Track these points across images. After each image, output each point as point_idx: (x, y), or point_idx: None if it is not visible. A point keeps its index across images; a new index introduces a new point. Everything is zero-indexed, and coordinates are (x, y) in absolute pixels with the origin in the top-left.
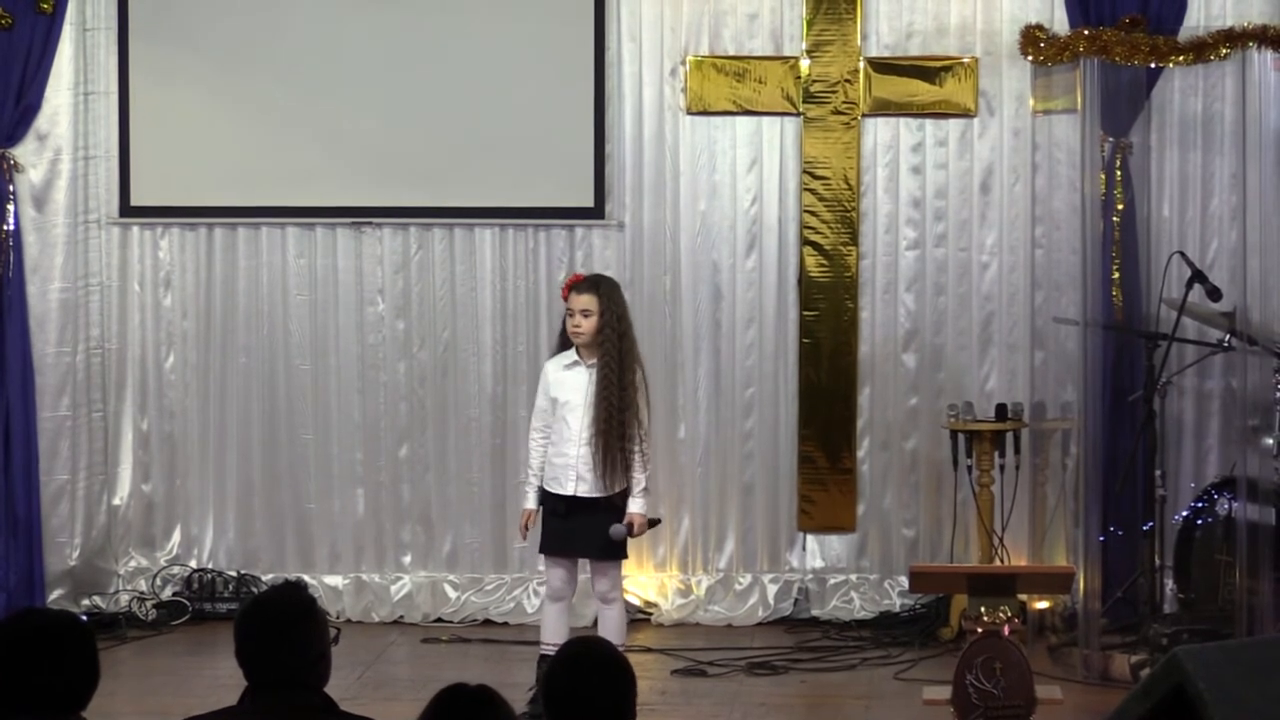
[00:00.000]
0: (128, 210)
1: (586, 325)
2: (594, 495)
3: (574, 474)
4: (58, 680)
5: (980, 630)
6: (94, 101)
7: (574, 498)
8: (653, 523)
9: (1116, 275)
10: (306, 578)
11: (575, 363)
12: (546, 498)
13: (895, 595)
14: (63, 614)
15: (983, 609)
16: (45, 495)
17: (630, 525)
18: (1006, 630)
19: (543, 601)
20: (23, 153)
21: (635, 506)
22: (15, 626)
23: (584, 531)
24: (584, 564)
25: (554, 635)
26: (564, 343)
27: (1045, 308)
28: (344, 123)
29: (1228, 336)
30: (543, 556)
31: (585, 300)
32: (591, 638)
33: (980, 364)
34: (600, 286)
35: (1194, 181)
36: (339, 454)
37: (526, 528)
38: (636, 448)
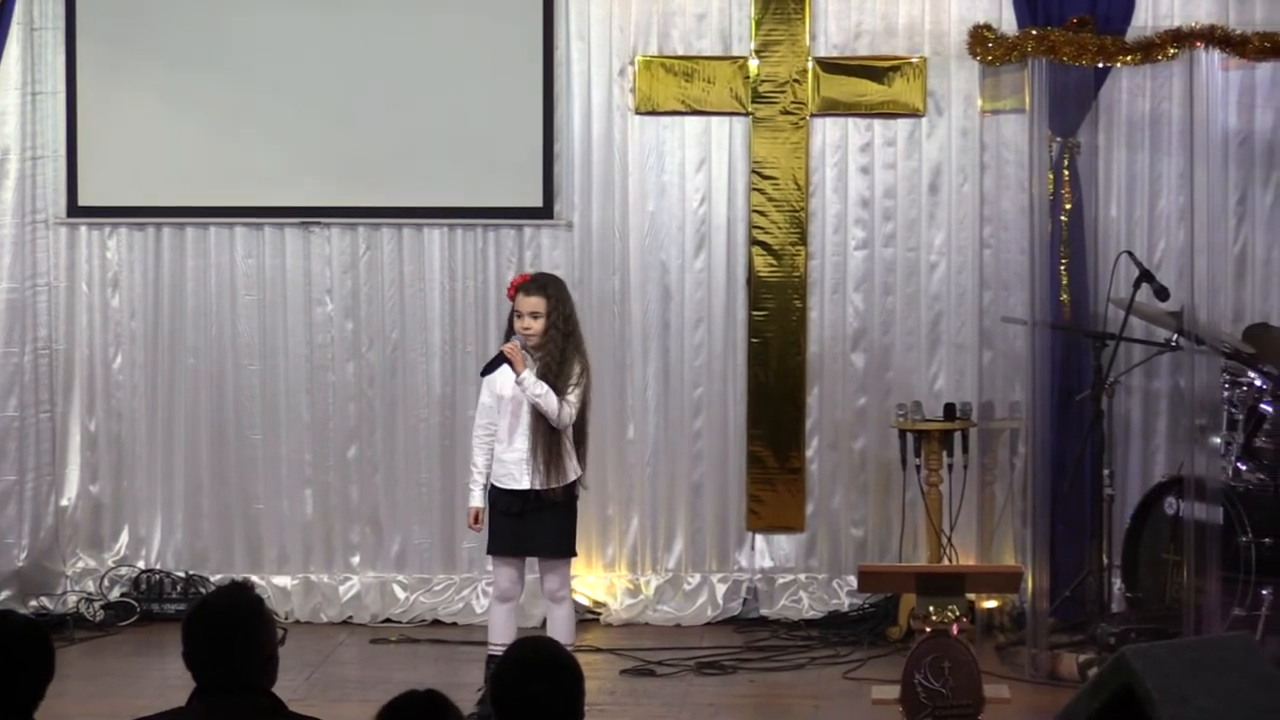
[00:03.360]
0: (75, 210)
1: (536, 326)
2: (538, 488)
3: (528, 467)
4: (19, 679)
5: (928, 629)
6: (41, 101)
7: (525, 493)
8: (497, 362)
9: (1065, 275)
10: (255, 578)
11: (522, 346)
12: (498, 496)
13: (844, 595)
14: (17, 616)
15: (931, 608)
16: None
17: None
18: (955, 629)
19: (491, 602)
20: None
21: (531, 376)
22: None
23: (533, 530)
24: (532, 565)
25: (502, 636)
26: (508, 340)
27: (993, 307)
28: (292, 122)
29: (1175, 336)
30: (490, 557)
31: (534, 302)
32: (539, 638)
33: (928, 364)
34: (548, 287)
35: (1142, 181)
36: (287, 454)
37: (476, 521)
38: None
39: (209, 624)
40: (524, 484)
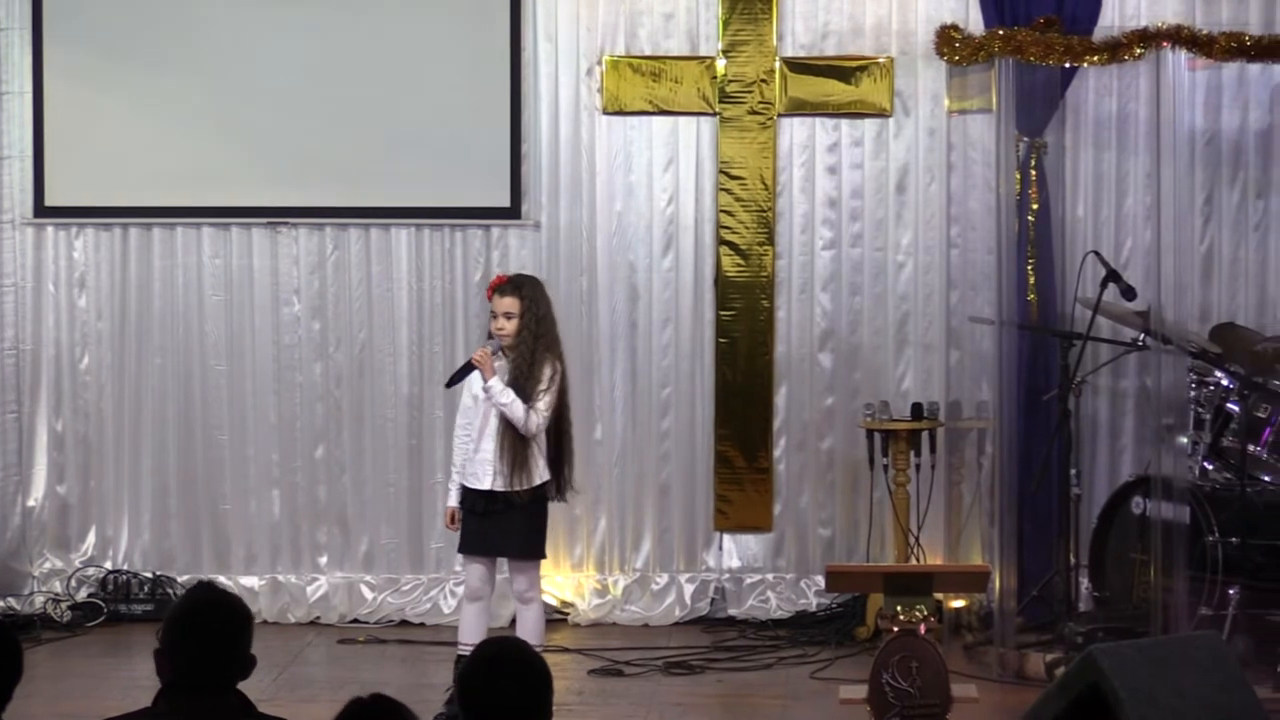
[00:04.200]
0: (42, 210)
1: (509, 327)
2: (504, 489)
3: (491, 469)
4: None
5: (896, 629)
6: (8, 101)
7: (489, 493)
8: (465, 371)
9: (1032, 275)
10: (222, 578)
11: (498, 348)
12: (466, 494)
13: (812, 594)
14: None
15: (899, 608)
16: None
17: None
18: (922, 629)
19: (460, 601)
20: None
21: (499, 384)
22: None
23: (502, 530)
24: (503, 565)
25: (471, 635)
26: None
27: (961, 307)
28: (259, 123)
29: (1142, 336)
30: (461, 556)
31: (508, 303)
32: (508, 638)
33: (896, 363)
34: (522, 288)
35: (1108, 181)
36: (255, 455)
37: (452, 521)
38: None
39: (194, 622)
40: (486, 484)
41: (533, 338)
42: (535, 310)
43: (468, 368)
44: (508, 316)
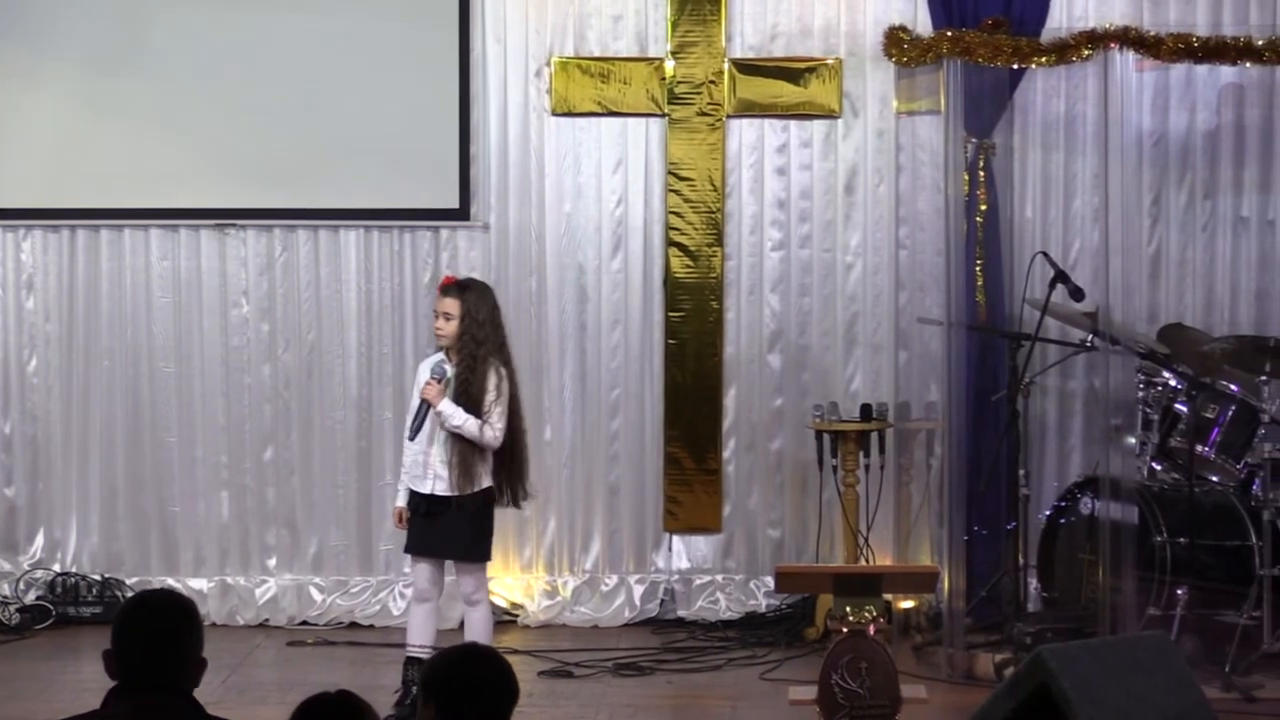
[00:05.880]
0: None
1: (447, 329)
2: (448, 494)
3: (432, 472)
4: None
5: (845, 630)
6: None
7: (432, 496)
8: (423, 412)
9: (980, 276)
10: (171, 581)
11: (441, 361)
12: (411, 496)
13: (761, 595)
14: None
15: (848, 609)
16: None
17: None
18: (872, 630)
19: (409, 603)
20: None
21: (449, 406)
22: None
23: (446, 533)
24: (452, 566)
25: (420, 637)
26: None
27: (909, 308)
28: (207, 125)
29: (1090, 336)
30: (409, 557)
31: (448, 304)
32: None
33: (845, 364)
34: (465, 291)
35: (1056, 182)
36: (203, 457)
37: (401, 521)
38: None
39: (146, 623)
40: (428, 488)
41: (474, 343)
42: (475, 315)
43: (423, 407)
44: (446, 317)
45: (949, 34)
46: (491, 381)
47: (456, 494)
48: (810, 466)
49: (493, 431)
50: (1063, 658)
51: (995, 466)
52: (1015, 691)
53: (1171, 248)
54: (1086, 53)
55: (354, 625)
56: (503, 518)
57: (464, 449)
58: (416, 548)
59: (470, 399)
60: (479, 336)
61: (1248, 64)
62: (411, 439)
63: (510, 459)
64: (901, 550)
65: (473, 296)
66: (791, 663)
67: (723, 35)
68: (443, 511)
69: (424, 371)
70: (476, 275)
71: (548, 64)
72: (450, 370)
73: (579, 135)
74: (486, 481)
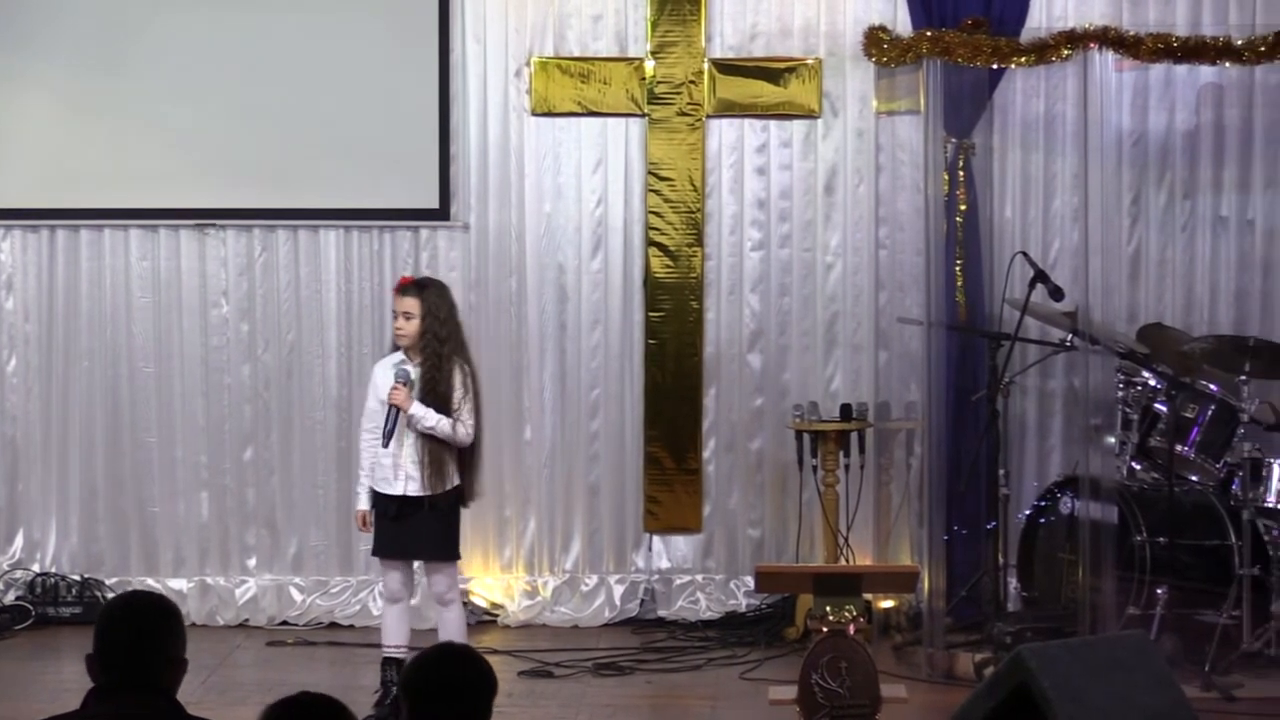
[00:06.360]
0: None
1: (408, 328)
2: (421, 494)
3: (403, 473)
4: None
5: (825, 630)
6: None
7: (404, 498)
8: (393, 417)
9: (960, 276)
10: (151, 581)
11: (402, 363)
12: (377, 499)
13: (741, 595)
14: None
15: (828, 609)
16: None
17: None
18: (852, 630)
19: (383, 604)
20: None
21: (420, 409)
22: None
23: (416, 533)
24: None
25: (395, 637)
26: (396, 344)
27: (889, 308)
28: (187, 125)
29: (1070, 336)
30: (378, 560)
31: (408, 303)
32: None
33: (825, 364)
34: (424, 290)
35: (1036, 182)
36: (183, 457)
37: (365, 523)
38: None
39: (129, 622)
40: (398, 489)
41: (437, 341)
42: (436, 313)
43: (392, 412)
44: (406, 317)
45: (929, 34)
46: (458, 379)
47: (429, 494)
48: (790, 466)
49: (465, 429)
50: (1042, 657)
51: (975, 466)
52: (995, 691)
53: (1151, 247)
54: (1066, 53)
55: (334, 625)
56: (484, 518)
57: (435, 448)
58: (388, 550)
59: (438, 397)
60: (441, 334)
61: (1227, 64)
62: (386, 445)
63: (470, 457)
64: (881, 550)
65: (432, 295)
66: (771, 662)
67: (702, 35)
68: (414, 512)
69: (382, 373)
70: (455, 275)
71: (527, 64)
72: (414, 371)
73: (559, 135)
74: (456, 480)
